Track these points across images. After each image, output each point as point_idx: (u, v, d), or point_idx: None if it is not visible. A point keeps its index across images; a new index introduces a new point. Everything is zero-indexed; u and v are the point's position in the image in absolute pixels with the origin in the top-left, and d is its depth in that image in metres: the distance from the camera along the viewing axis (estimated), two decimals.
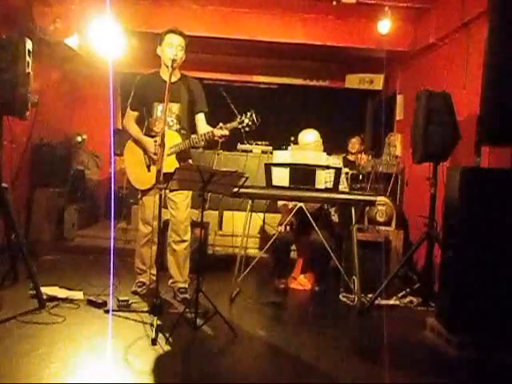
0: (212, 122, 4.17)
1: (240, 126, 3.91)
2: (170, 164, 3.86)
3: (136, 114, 4.25)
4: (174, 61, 3.89)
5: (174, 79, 4.00)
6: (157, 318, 3.39)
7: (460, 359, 3.32)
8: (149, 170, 4.18)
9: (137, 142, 4.21)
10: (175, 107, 4.13)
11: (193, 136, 4.09)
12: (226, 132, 3.92)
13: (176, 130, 4.12)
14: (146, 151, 4.16)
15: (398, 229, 5.28)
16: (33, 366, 2.79)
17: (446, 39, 5.42)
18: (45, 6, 5.22)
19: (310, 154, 4.56)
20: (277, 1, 5.96)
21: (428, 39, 5.76)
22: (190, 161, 4.28)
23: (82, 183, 6.93)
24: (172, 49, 4.00)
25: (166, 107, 3.74)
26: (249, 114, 3.90)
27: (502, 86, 3.25)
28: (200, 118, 4.22)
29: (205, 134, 4.00)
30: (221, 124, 3.93)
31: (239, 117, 3.92)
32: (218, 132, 3.92)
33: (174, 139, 4.02)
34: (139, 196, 4.33)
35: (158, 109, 4.14)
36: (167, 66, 3.93)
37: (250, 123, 3.89)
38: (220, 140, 4.02)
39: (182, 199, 4.15)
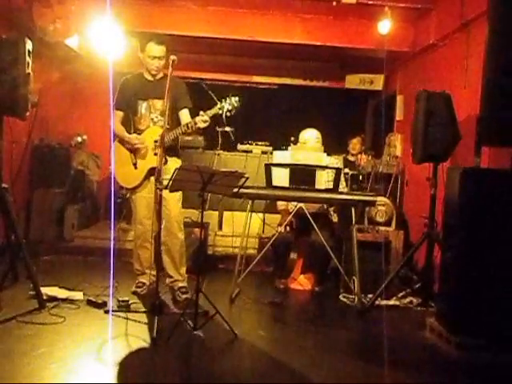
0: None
1: (220, 112, 3.97)
2: (152, 158, 3.98)
3: (121, 113, 4.31)
4: (157, 69, 4.13)
5: (157, 77, 4.22)
6: (157, 318, 3.39)
7: (460, 360, 3.32)
8: (135, 168, 4.20)
9: (122, 141, 4.26)
10: (159, 103, 4.19)
11: (177, 129, 4.13)
12: (207, 118, 3.96)
13: (161, 126, 4.14)
14: (131, 149, 4.20)
15: (398, 229, 5.27)
16: (33, 367, 2.80)
17: (446, 39, 5.41)
18: (45, 7, 5.21)
19: (310, 154, 4.57)
20: (277, 1, 5.95)
21: (428, 39, 5.75)
22: (176, 158, 4.29)
23: (81, 184, 6.92)
24: (154, 61, 4.13)
25: (167, 111, 3.79)
26: (228, 99, 3.96)
27: (501, 87, 3.25)
28: (184, 113, 4.26)
29: (187, 124, 4.05)
30: (201, 112, 3.99)
31: (219, 103, 3.98)
32: (199, 119, 3.97)
33: (156, 134, 4.05)
34: (128, 195, 4.35)
35: (143, 106, 4.23)
36: (150, 74, 4.20)
37: (229, 108, 3.95)
38: (202, 126, 4.00)
39: (171, 196, 4.14)
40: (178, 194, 4.23)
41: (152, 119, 4.21)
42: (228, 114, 3.97)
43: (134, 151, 4.20)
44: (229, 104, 3.94)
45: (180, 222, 4.27)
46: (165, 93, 4.13)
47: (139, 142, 4.15)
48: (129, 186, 4.26)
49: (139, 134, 4.21)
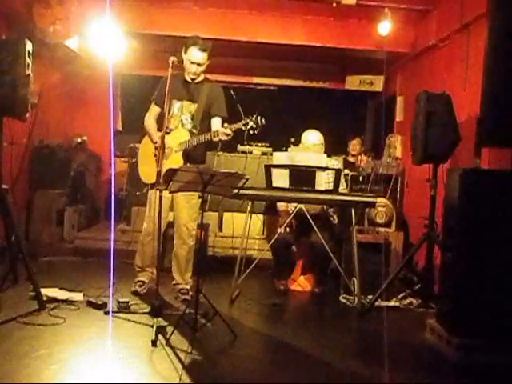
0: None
1: (244, 128, 3.96)
2: (176, 160, 4.01)
3: (158, 109, 4.33)
4: (195, 74, 4.15)
5: (197, 80, 4.22)
6: (157, 319, 3.39)
7: (460, 361, 3.31)
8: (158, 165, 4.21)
9: (150, 136, 4.30)
10: (192, 106, 4.22)
11: (200, 136, 4.14)
12: (229, 132, 3.96)
13: (187, 129, 4.18)
14: (156, 146, 4.18)
15: (398, 230, 5.27)
16: (33, 368, 2.79)
17: (446, 41, 5.42)
18: (45, 8, 5.22)
19: (310, 155, 4.57)
20: (277, 2, 5.96)
21: (428, 41, 5.76)
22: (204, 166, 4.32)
23: (81, 185, 6.93)
24: (194, 65, 4.14)
25: (166, 114, 3.82)
26: (254, 116, 3.95)
27: (502, 88, 3.25)
28: (215, 122, 4.25)
29: (210, 133, 4.06)
30: (226, 124, 4.02)
31: (244, 118, 3.97)
32: (221, 131, 3.98)
33: (181, 137, 4.10)
34: (145, 190, 4.37)
35: (176, 106, 4.24)
36: (190, 78, 4.20)
37: (254, 126, 3.94)
38: (223, 138, 4.01)
39: (182, 200, 4.15)
40: (193, 202, 4.21)
41: (181, 120, 4.22)
42: (251, 131, 3.97)
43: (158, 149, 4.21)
44: (254, 122, 3.92)
45: (191, 228, 4.25)
46: (200, 97, 4.21)
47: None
48: (149, 181, 4.26)
49: (167, 132, 4.17)
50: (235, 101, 4.63)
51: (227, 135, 3.98)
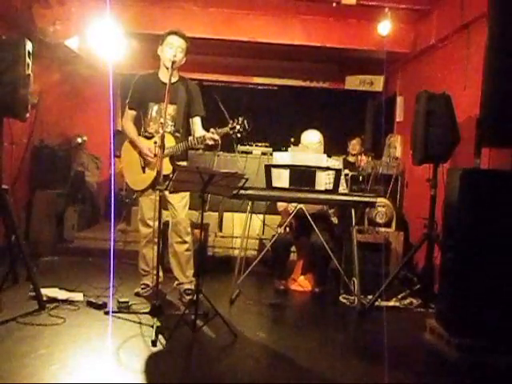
0: (206, 123, 4.23)
1: (231, 132, 3.96)
2: (164, 166, 3.87)
3: (134, 113, 4.26)
4: (173, 62, 3.92)
5: (172, 80, 3.98)
6: (157, 319, 3.39)
7: (459, 361, 3.31)
8: (144, 171, 4.20)
9: (133, 144, 4.23)
10: (171, 109, 4.11)
11: (190, 138, 4.12)
12: (217, 137, 3.97)
13: (170, 132, 4.11)
14: (141, 153, 4.18)
15: (398, 230, 5.27)
16: (33, 368, 2.79)
17: (446, 40, 5.42)
18: (45, 8, 5.22)
19: (310, 155, 4.57)
20: (277, 2, 5.95)
21: (428, 41, 5.76)
22: (185, 163, 4.29)
23: (81, 185, 6.92)
24: (172, 49, 4.02)
25: (166, 108, 3.76)
26: (240, 120, 3.95)
27: (501, 88, 3.25)
28: (196, 122, 4.24)
29: (197, 138, 4.05)
30: (212, 129, 3.99)
31: (231, 122, 3.97)
32: (209, 136, 3.97)
33: (167, 142, 4.01)
34: (134, 196, 4.36)
35: (154, 109, 4.17)
36: (166, 68, 3.98)
37: (241, 129, 3.95)
38: (210, 143, 4.02)
39: (178, 200, 4.15)
40: (186, 200, 4.22)
41: (161, 123, 4.15)
42: (238, 135, 3.96)
43: (143, 155, 4.19)
44: (240, 126, 3.92)
45: (187, 225, 4.26)
46: (178, 98, 4.12)
47: (150, 153, 4.09)
48: (136, 188, 4.26)
49: (147, 136, 4.18)
50: (219, 104, 4.64)
51: (214, 140, 3.97)
